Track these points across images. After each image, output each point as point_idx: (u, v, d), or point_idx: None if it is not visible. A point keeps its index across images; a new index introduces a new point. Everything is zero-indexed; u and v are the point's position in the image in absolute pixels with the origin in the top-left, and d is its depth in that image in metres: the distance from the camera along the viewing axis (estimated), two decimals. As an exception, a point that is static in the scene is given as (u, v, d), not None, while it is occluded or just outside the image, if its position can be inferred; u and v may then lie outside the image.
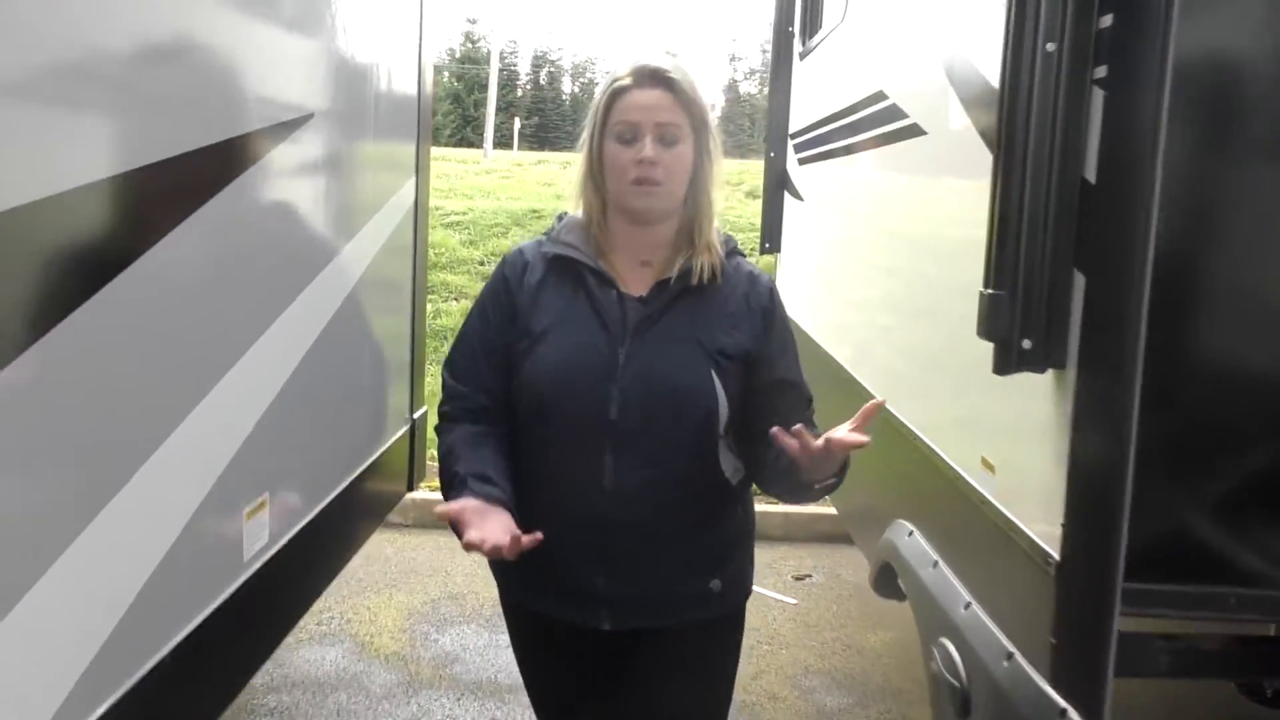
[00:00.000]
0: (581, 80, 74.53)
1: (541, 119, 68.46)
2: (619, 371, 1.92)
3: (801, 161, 5.37)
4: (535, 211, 13.04)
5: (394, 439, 3.78)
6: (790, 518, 6.10)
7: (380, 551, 5.53)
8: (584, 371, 1.92)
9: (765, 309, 2.03)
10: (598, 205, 2.00)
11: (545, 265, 2.02)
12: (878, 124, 3.50)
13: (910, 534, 2.78)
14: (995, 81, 1.92)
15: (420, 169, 3.90)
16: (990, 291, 1.85)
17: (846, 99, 4.13)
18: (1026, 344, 1.83)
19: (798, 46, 5.68)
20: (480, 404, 2.03)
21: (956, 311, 2.31)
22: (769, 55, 6.26)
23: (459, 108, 62.08)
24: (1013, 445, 2.19)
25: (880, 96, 3.46)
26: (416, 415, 4.11)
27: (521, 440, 2.02)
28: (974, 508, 2.30)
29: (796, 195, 5.50)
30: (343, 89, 2.96)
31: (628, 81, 1.93)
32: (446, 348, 9.47)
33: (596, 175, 1.98)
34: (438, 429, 2.08)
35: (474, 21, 67.56)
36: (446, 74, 66.00)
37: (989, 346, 1.90)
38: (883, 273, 3.55)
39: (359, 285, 3.16)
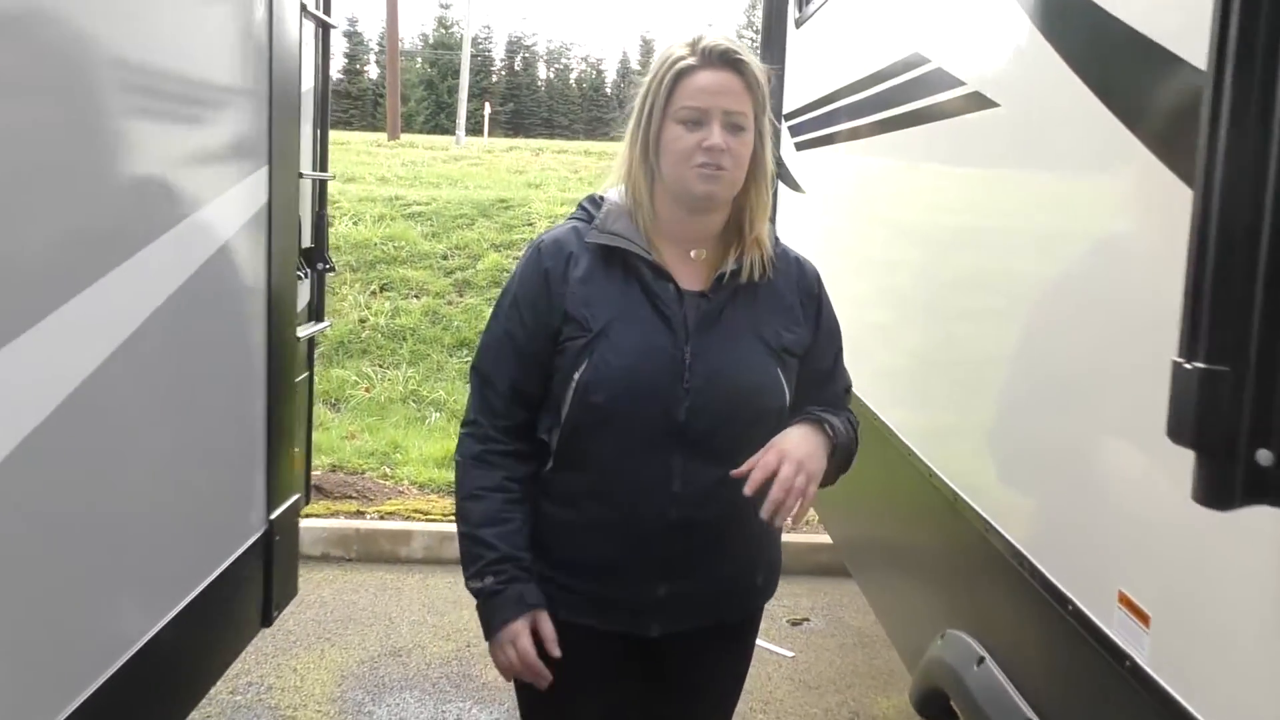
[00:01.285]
0: (556, 66, 73.78)
1: (516, 105, 67.63)
2: (686, 372, 1.84)
3: (800, 147, 4.60)
4: (503, 201, 12.30)
5: (232, 559, 2.72)
6: (784, 549, 5.35)
7: (316, 595, 4.92)
8: (652, 374, 1.84)
9: (816, 298, 2.01)
10: (646, 189, 1.89)
11: (591, 256, 1.90)
12: (913, 95, 2.73)
13: (980, 662, 2.01)
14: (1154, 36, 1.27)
15: (278, 157, 2.80)
16: (1197, 366, 1.06)
17: (864, 68, 3.36)
18: (1266, 458, 1.04)
19: (793, 13, 4.92)
20: (517, 441, 1.94)
21: (1075, 364, 1.65)
22: (759, 26, 5.49)
23: (433, 94, 61.26)
24: (1193, 598, 1.44)
25: (917, 61, 2.69)
26: (277, 514, 3.06)
27: (566, 444, 1.91)
28: (1104, 662, 1.53)
29: (793, 186, 4.74)
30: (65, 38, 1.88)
31: (693, 61, 1.82)
32: (407, 350, 8.78)
33: (652, 158, 1.87)
34: (466, 460, 1.95)
35: (447, 6, 66.68)
36: (419, 60, 65.09)
37: (1149, 441, 1.19)
38: (926, 291, 2.78)
39: (137, 340, 2.09)
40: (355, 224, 10.92)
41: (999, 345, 2.24)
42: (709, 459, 1.85)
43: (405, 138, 26.78)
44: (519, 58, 73.95)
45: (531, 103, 69.66)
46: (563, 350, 1.88)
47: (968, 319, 2.42)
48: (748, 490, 1.74)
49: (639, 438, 1.86)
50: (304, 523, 5.66)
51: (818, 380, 2.01)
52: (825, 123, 3.97)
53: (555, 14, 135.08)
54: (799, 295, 1.99)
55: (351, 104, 60.17)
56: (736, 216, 1.92)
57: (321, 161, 3.88)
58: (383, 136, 25.49)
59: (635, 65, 75.65)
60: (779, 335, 1.92)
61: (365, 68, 65.07)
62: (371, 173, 15.93)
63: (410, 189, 13.43)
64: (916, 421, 2.88)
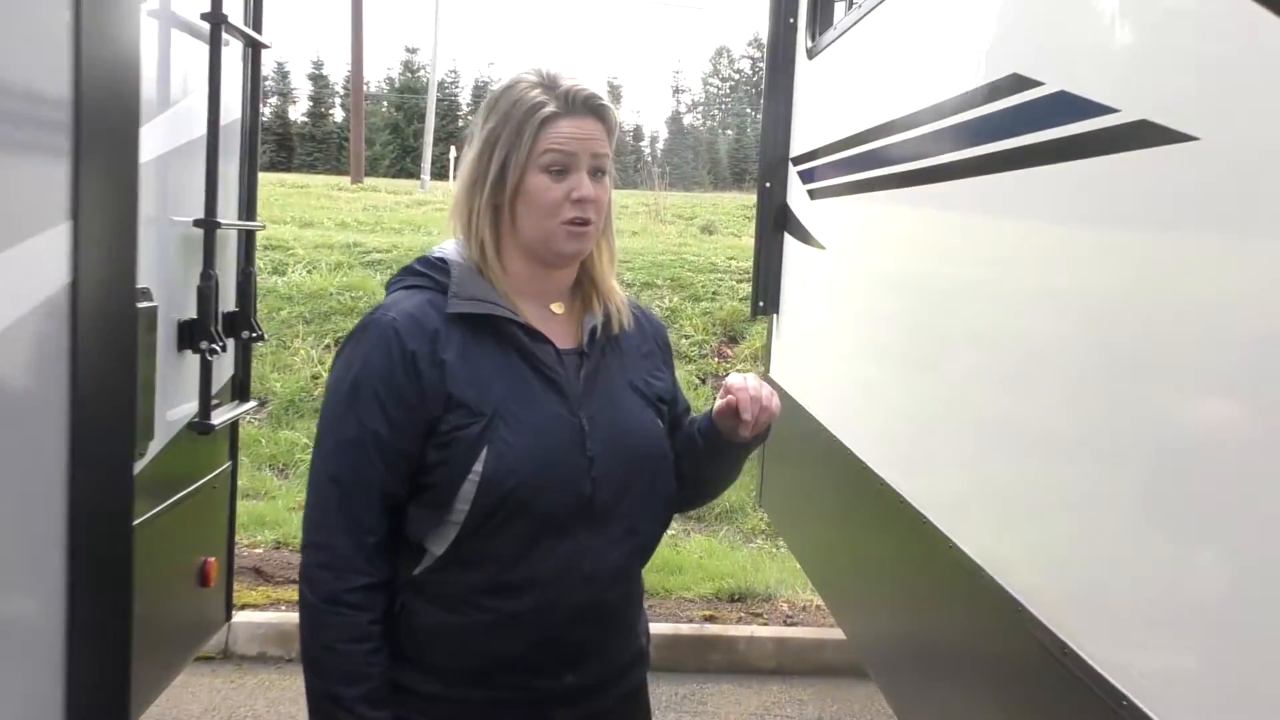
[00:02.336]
0: (524, 111, 73.25)
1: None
2: (587, 440, 1.74)
3: (815, 194, 3.96)
4: (469, 249, 11.61)
5: None
6: (784, 645, 5.13)
7: (248, 707, 4.36)
8: (557, 448, 1.72)
9: (666, 343, 2.00)
10: (493, 243, 1.76)
11: (457, 328, 1.73)
12: (1012, 130, 2.08)
13: None
14: None
15: (94, 209, 1.77)
16: None
17: (916, 101, 2.72)
18: None
19: (803, 43, 4.29)
20: (380, 563, 1.72)
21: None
22: (763, 59, 4.84)
23: (398, 138, 60.70)
24: None
25: (1020, 84, 2.03)
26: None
27: (462, 545, 1.71)
28: None
29: (806, 240, 4.08)
30: None
31: (555, 107, 1.72)
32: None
33: (507, 210, 1.74)
34: (320, 604, 1.70)
35: (413, 50, 66.31)
36: (385, 103, 64.59)
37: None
38: (1027, 374, 2.10)
39: None
40: (310, 272, 10.38)
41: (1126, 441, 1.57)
42: (619, 531, 1.78)
43: (369, 181, 26.19)
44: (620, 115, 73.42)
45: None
46: (450, 442, 1.69)
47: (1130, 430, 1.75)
48: (746, 414, 1.76)
49: (550, 521, 1.72)
50: (238, 616, 4.99)
51: (682, 416, 1.98)
52: (856, 167, 3.33)
53: (522, 59, 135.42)
54: (654, 342, 1.95)
55: (316, 147, 59.49)
56: (588, 265, 1.84)
57: (248, 208, 3.19)
58: (346, 180, 24.85)
59: (602, 111, 75.36)
60: (649, 384, 1.88)
61: (330, 110, 64.47)
62: (331, 218, 15.34)
63: (370, 235, 12.89)
64: (924, 484, 2.46)
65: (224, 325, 3.18)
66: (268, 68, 64.09)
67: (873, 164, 3.24)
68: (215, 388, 3.15)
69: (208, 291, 2.85)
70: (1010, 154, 2.10)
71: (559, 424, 1.74)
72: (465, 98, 72.75)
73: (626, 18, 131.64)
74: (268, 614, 5.07)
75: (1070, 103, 1.82)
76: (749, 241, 15.83)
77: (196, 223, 2.85)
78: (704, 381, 9.77)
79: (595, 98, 1.75)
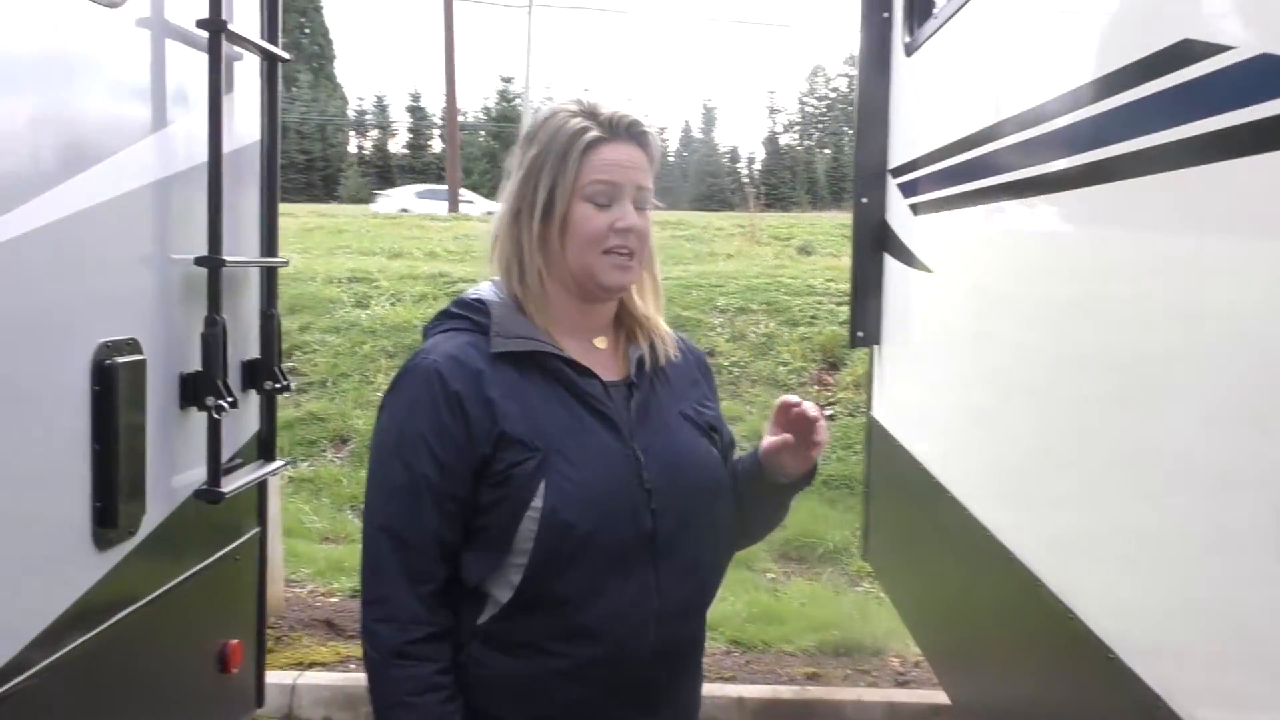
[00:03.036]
0: (619, 136, 73.44)
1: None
2: (644, 471, 1.71)
3: (919, 209, 3.46)
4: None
5: None
6: (896, 712, 4.69)
7: None
8: (615, 481, 1.69)
9: (707, 369, 1.98)
10: (538, 277, 1.73)
11: (503, 367, 1.70)
12: (1180, 115, 1.58)
13: None
14: None
15: None
16: None
17: (1049, 87, 2.23)
18: None
19: (900, 38, 3.80)
20: (441, 611, 1.69)
21: None
22: (855, 60, 4.38)
23: (496, 166, 61.26)
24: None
25: (1194, 53, 1.53)
26: None
27: (531, 586, 1.67)
28: None
29: (910, 261, 3.59)
30: None
31: (600, 133, 1.70)
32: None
33: (553, 241, 1.71)
34: (385, 658, 1.67)
35: (509, 80, 66.89)
36: (482, 133, 65.33)
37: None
38: (1196, 426, 1.59)
39: None
40: (394, 304, 10.16)
41: None
42: (683, 565, 1.74)
43: (464, 210, 26.15)
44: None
45: (595, 174, 69.22)
46: (506, 479, 1.66)
47: None
48: (813, 412, 1.74)
49: (614, 557, 1.68)
50: (303, 677, 4.66)
51: (728, 450, 1.92)
52: (967, 175, 2.83)
53: (616, 83, 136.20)
54: (698, 372, 1.93)
55: (416, 178, 60.44)
56: (628, 299, 1.82)
57: (269, 242, 2.82)
58: (443, 209, 24.89)
59: (697, 134, 75.40)
60: (700, 413, 1.85)
61: (429, 141, 65.36)
62: (421, 248, 15.17)
63: (459, 264, 12.65)
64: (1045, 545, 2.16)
65: (245, 375, 2.82)
66: (367, 102, 65.42)
67: (988, 170, 2.74)
68: (234, 447, 2.77)
69: (213, 339, 2.46)
70: (1177, 147, 1.59)
71: (614, 456, 1.70)
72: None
73: (719, 40, 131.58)
74: (335, 674, 4.76)
75: (1274, 70, 1.32)
76: (848, 261, 15.27)
77: (199, 261, 2.47)
78: (802, 411, 9.23)
79: (638, 124, 1.73)
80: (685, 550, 1.74)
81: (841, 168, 66.89)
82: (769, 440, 1.78)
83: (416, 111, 65.14)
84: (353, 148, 63.31)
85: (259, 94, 2.84)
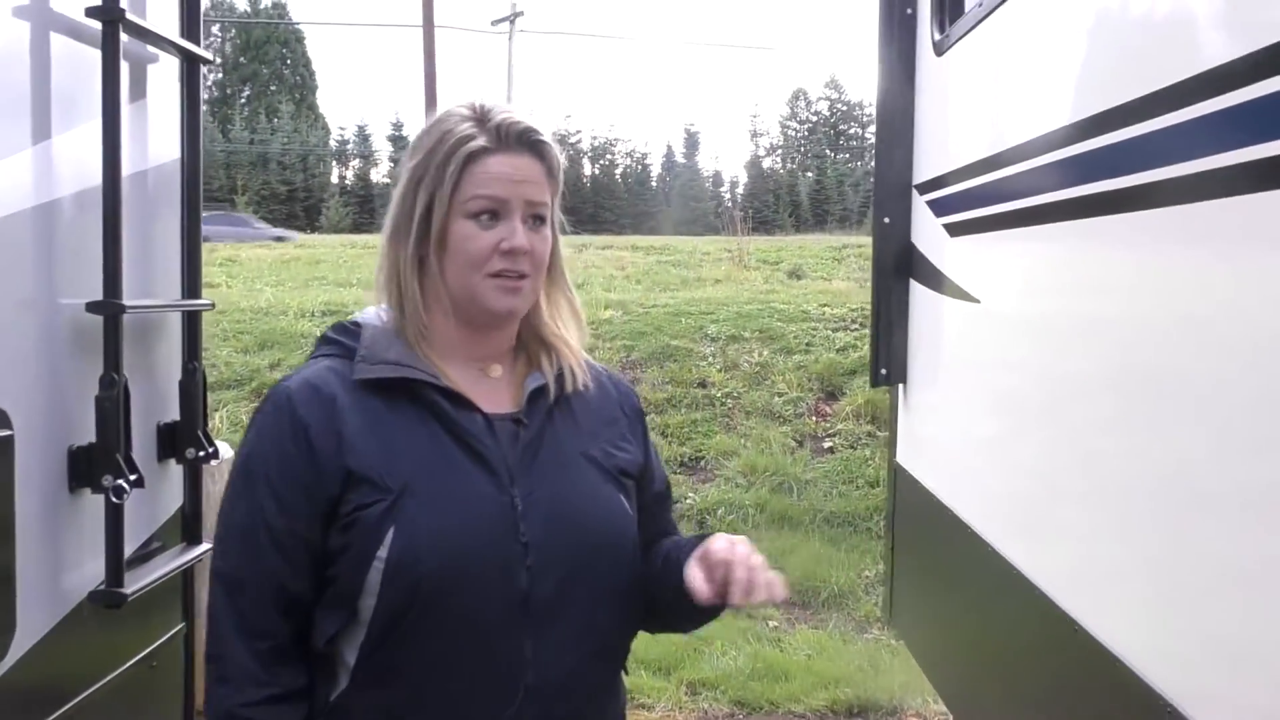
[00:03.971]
0: (601, 162, 73.41)
1: (563, 201, 67.09)
2: (520, 522, 1.49)
3: (957, 229, 3.00)
4: (540, 306, 10.87)
5: None
6: None
7: None
8: (481, 530, 1.47)
9: (638, 411, 1.75)
10: (419, 299, 1.54)
11: (364, 397, 1.51)
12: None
13: None
14: None
15: None
16: None
17: (1124, 86, 1.78)
18: None
19: (927, 37, 3.34)
20: (288, 669, 1.49)
21: None
22: (877, 63, 3.93)
23: (477, 194, 61.04)
24: None
25: None
26: None
27: (374, 651, 1.47)
28: None
29: (945, 288, 3.12)
30: None
31: (485, 141, 1.51)
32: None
33: (431, 262, 1.53)
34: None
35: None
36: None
37: None
38: None
39: None
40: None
41: None
42: (566, 634, 1.51)
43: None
44: (563, 155, 73.72)
45: (577, 200, 69.19)
46: (351, 523, 1.45)
47: None
48: (704, 591, 1.46)
49: (476, 621, 1.46)
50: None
51: (661, 499, 1.74)
52: (1038, 187, 2.37)
53: (598, 109, 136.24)
54: (620, 409, 1.70)
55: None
56: (533, 321, 1.61)
57: (190, 281, 2.34)
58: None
59: (679, 158, 75.27)
60: (610, 455, 1.62)
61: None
62: (364, 278, 14.67)
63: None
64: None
65: (162, 443, 2.32)
66: (349, 131, 65.01)
67: (1054, 184, 2.28)
68: (148, 531, 2.28)
69: (109, 404, 1.96)
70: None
71: (484, 503, 1.49)
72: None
73: (701, 64, 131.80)
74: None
75: None
76: (840, 285, 14.94)
77: (91, 307, 1.98)
78: (800, 444, 8.77)
79: (532, 132, 1.55)
80: (571, 616, 1.52)
81: (824, 191, 66.86)
82: (692, 566, 1.50)
83: (399, 140, 64.79)
84: (335, 178, 62.80)
85: (177, 102, 2.35)
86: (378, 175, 64.31)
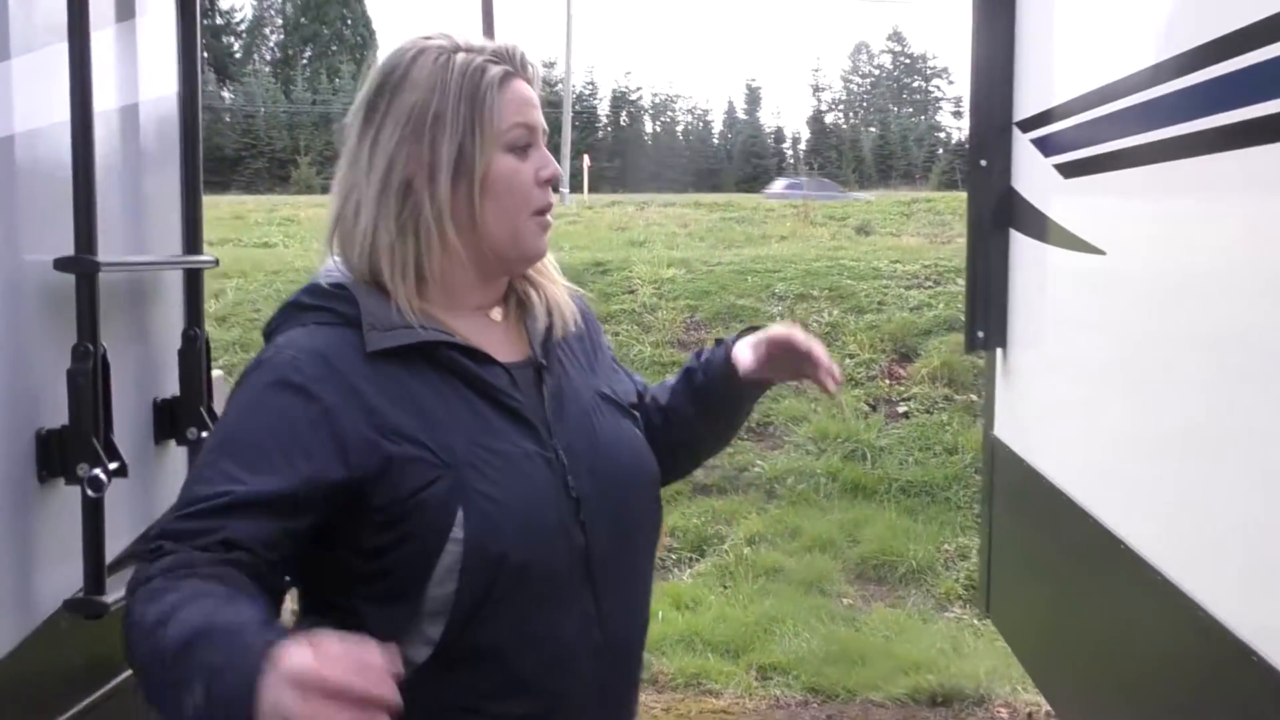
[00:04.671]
0: (662, 119, 72.77)
1: (624, 161, 66.69)
2: (569, 476, 1.38)
3: (1074, 170, 2.59)
4: (599, 264, 10.61)
5: None
6: None
7: None
8: (541, 495, 1.35)
9: (596, 325, 1.61)
10: (438, 251, 1.36)
11: (380, 366, 1.31)
12: None
13: None
14: None
15: None
16: None
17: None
18: None
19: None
20: (235, 557, 1.20)
21: None
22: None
23: (538, 151, 60.89)
24: None
25: None
26: None
27: (460, 635, 1.31)
28: None
29: (1056, 238, 2.73)
30: None
31: (506, 67, 1.38)
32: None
33: (476, 203, 1.36)
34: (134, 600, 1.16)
35: (550, 64, 66.21)
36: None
37: None
38: None
39: None
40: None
41: None
42: (623, 587, 1.43)
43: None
44: (624, 113, 73.21)
45: (639, 157, 68.62)
46: (409, 512, 1.27)
47: None
48: (832, 384, 1.48)
49: (552, 587, 1.36)
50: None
51: (647, 410, 1.61)
52: (1178, 112, 1.97)
53: (659, 67, 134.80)
54: (596, 333, 1.59)
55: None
56: None
57: (191, 236, 2.02)
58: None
59: (741, 114, 74.29)
60: (614, 390, 1.53)
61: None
62: None
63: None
64: None
65: (160, 422, 2.02)
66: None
67: (1206, 105, 1.88)
68: (140, 527, 1.98)
69: (82, 379, 1.65)
70: None
71: (534, 464, 1.36)
72: (604, 109, 72.46)
73: (761, 17, 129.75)
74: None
75: None
76: (909, 241, 14.39)
77: (60, 264, 1.67)
78: (874, 408, 8.34)
79: (528, 58, 1.42)
80: (623, 567, 1.45)
81: (888, 146, 65.74)
82: (753, 348, 1.53)
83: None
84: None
85: (173, 28, 2.03)
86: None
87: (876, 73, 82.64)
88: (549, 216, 1.42)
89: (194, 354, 2.01)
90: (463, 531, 1.29)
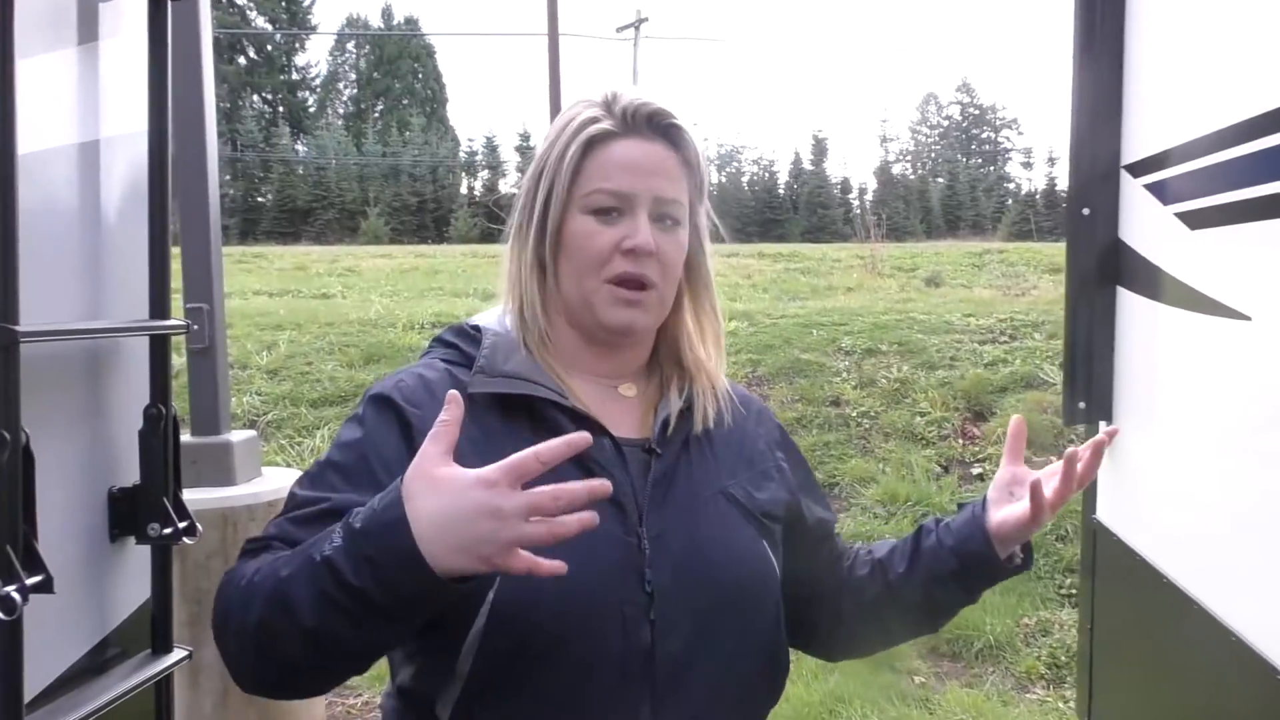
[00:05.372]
0: (728, 170, 72.87)
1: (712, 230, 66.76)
2: (647, 568, 1.29)
3: (1203, 220, 2.21)
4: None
5: None
6: None
7: None
8: (605, 577, 1.26)
9: (781, 437, 1.56)
10: (540, 306, 1.39)
11: (477, 410, 1.29)
12: None
13: None
14: None
15: None
16: None
17: None
18: None
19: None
20: None
21: None
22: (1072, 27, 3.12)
23: (602, 203, 61.27)
24: None
25: None
26: None
27: (467, 710, 1.25)
28: None
29: (1172, 297, 2.34)
30: None
31: (610, 125, 1.36)
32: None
33: (549, 260, 1.38)
34: (235, 588, 1.18)
35: (616, 116, 66.84)
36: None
37: None
38: None
39: None
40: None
41: None
42: (689, 699, 1.28)
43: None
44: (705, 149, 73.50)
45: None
46: None
47: None
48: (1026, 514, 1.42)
49: (588, 681, 1.24)
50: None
51: (824, 529, 1.54)
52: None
53: (725, 116, 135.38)
54: (765, 441, 1.51)
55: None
56: (671, 339, 1.45)
57: (157, 299, 1.72)
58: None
59: (807, 165, 74.22)
60: (750, 495, 1.42)
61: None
62: (482, 288, 14.13)
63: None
64: None
65: (117, 516, 1.71)
66: (477, 142, 65.63)
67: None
68: (91, 640, 1.65)
69: (10, 468, 1.35)
70: None
71: (608, 544, 1.26)
72: (706, 181, 72.69)
73: (827, 68, 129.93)
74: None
75: None
76: (983, 294, 13.91)
77: (-25, 333, 1.36)
78: (946, 470, 7.88)
79: (664, 114, 1.37)
80: (697, 679, 1.30)
81: (956, 196, 65.10)
82: (1008, 511, 1.45)
83: (525, 150, 65.22)
84: (464, 189, 63.36)
85: (147, 48, 1.74)
86: (505, 186, 64.87)
87: (945, 123, 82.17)
88: (634, 292, 1.34)
89: (157, 435, 1.70)
90: (491, 593, 1.22)
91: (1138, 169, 2.60)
